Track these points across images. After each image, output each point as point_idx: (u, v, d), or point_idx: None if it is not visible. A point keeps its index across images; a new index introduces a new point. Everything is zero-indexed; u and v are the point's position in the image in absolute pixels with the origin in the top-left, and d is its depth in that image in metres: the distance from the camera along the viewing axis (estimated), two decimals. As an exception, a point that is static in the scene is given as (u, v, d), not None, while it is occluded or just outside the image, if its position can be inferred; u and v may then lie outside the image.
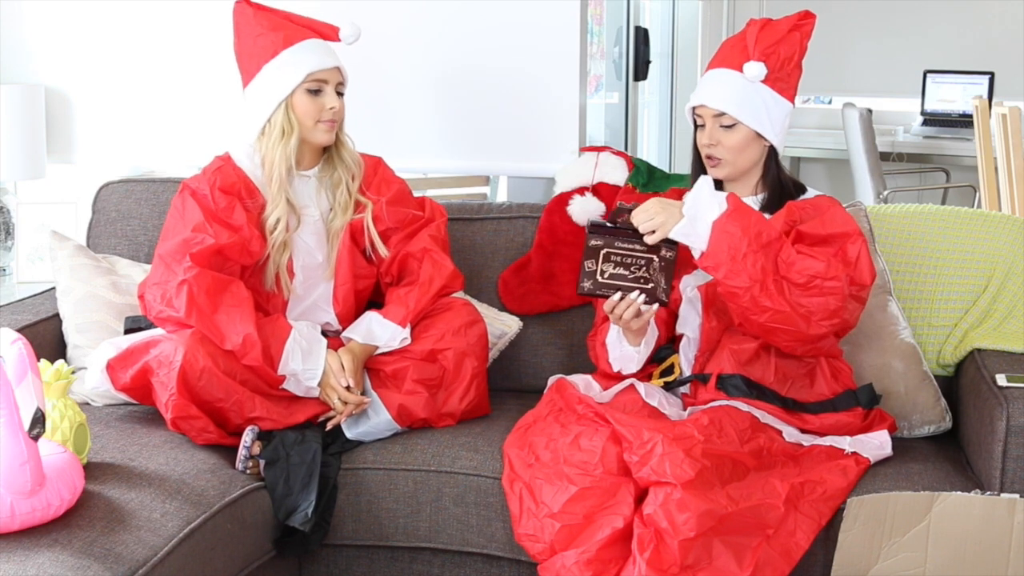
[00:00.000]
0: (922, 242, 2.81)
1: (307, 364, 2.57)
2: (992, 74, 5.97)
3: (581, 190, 3.05)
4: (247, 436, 2.48)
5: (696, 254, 2.41)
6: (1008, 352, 2.67)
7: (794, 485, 2.29)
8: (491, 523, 2.50)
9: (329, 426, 2.60)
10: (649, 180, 3.06)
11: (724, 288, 2.41)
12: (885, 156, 5.78)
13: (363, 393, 2.62)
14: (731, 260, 2.36)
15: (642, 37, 5.14)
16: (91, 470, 2.28)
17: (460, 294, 2.82)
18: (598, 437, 2.34)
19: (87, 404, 2.70)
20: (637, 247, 2.43)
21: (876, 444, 2.48)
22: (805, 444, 2.46)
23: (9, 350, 2.03)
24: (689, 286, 2.61)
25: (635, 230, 2.41)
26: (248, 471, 2.49)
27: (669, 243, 2.42)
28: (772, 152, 2.59)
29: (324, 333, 2.69)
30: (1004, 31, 6.17)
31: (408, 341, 2.66)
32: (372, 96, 3.27)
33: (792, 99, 2.58)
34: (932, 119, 6.10)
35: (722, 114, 2.54)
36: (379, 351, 2.66)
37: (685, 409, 2.57)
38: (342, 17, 2.71)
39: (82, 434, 2.30)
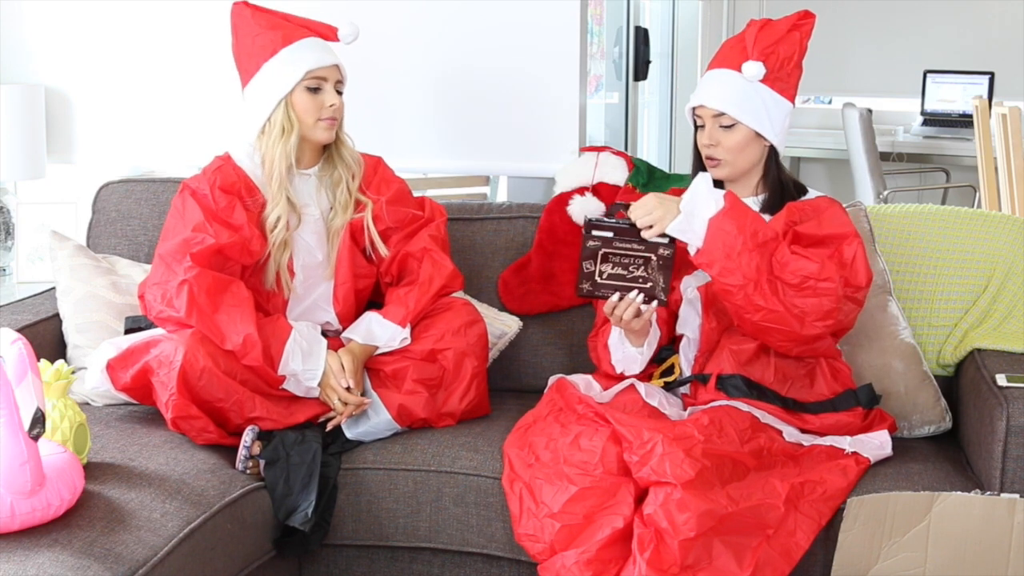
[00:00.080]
0: (922, 242, 2.81)
1: (307, 364, 2.57)
2: (992, 74, 5.97)
3: (581, 190, 3.05)
4: (247, 436, 2.48)
5: (692, 250, 2.41)
6: (1008, 352, 2.67)
7: (794, 485, 2.29)
8: (491, 523, 2.50)
9: (329, 427, 2.60)
10: (649, 180, 3.06)
11: (719, 286, 2.41)
12: (885, 156, 5.78)
13: (363, 393, 2.62)
14: (726, 257, 2.37)
15: (642, 37, 5.14)
16: (91, 470, 2.28)
17: (460, 294, 2.82)
18: (598, 437, 2.34)
19: (87, 404, 2.70)
20: (635, 247, 2.43)
21: (876, 444, 2.48)
22: (805, 444, 2.46)
23: (9, 350, 2.03)
24: (689, 287, 2.61)
25: (632, 225, 2.41)
26: (248, 471, 2.49)
27: (667, 242, 2.42)
28: (772, 152, 2.59)
29: (324, 333, 2.69)
30: (1004, 31, 6.17)
31: (408, 341, 2.66)
32: (372, 96, 3.27)
33: (792, 99, 2.58)
34: (932, 119, 6.10)
35: (721, 114, 2.54)
36: (379, 351, 2.66)
37: (685, 409, 2.57)
38: (341, 17, 2.71)
39: (82, 434, 2.30)
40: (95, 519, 2.09)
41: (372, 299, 2.82)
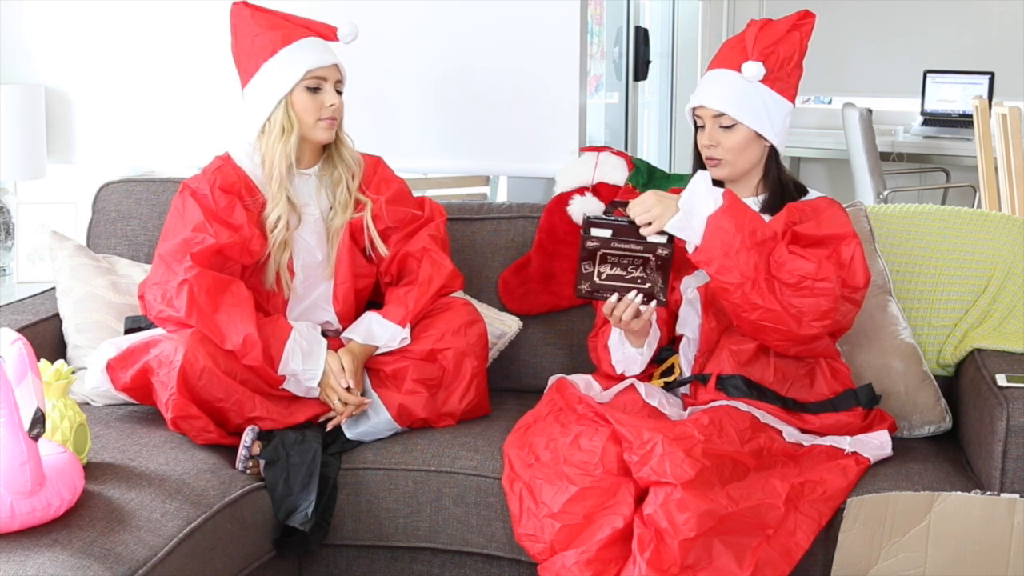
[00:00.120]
0: (922, 242, 2.81)
1: (307, 364, 2.57)
2: (992, 74, 5.97)
3: (581, 190, 3.05)
4: (247, 436, 2.48)
5: (690, 248, 2.41)
6: (1008, 352, 2.67)
7: (794, 485, 2.29)
8: (491, 523, 2.50)
9: (329, 427, 2.60)
10: (649, 180, 3.05)
11: (716, 284, 2.42)
12: (885, 156, 5.78)
13: (363, 393, 2.62)
14: (724, 255, 2.37)
15: (642, 37, 5.14)
16: (91, 470, 2.28)
17: (460, 294, 2.82)
18: (598, 437, 2.34)
19: (87, 404, 2.70)
20: (633, 247, 2.43)
21: (876, 444, 2.48)
22: (805, 444, 2.46)
23: (9, 350, 2.03)
24: (689, 287, 2.61)
25: (631, 222, 2.41)
26: (248, 471, 2.49)
27: (665, 242, 2.42)
28: (773, 152, 2.59)
29: (324, 332, 2.69)
30: (1004, 31, 6.17)
31: (408, 341, 2.66)
32: (372, 96, 3.27)
33: (792, 99, 2.58)
34: (932, 119, 6.10)
35: (721, 115, 2.53)
36: (379, 351, 2.66)
37: (685, 409, 2.57)
38: (341, 17, 2.71)
39: (82, 434, 2.30)
40: (95, 519, 2.09)
41: (372, 299, 2.82)
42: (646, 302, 2.45)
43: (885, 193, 5.52)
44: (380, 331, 2.65)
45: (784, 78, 2.55)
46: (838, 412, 2.52)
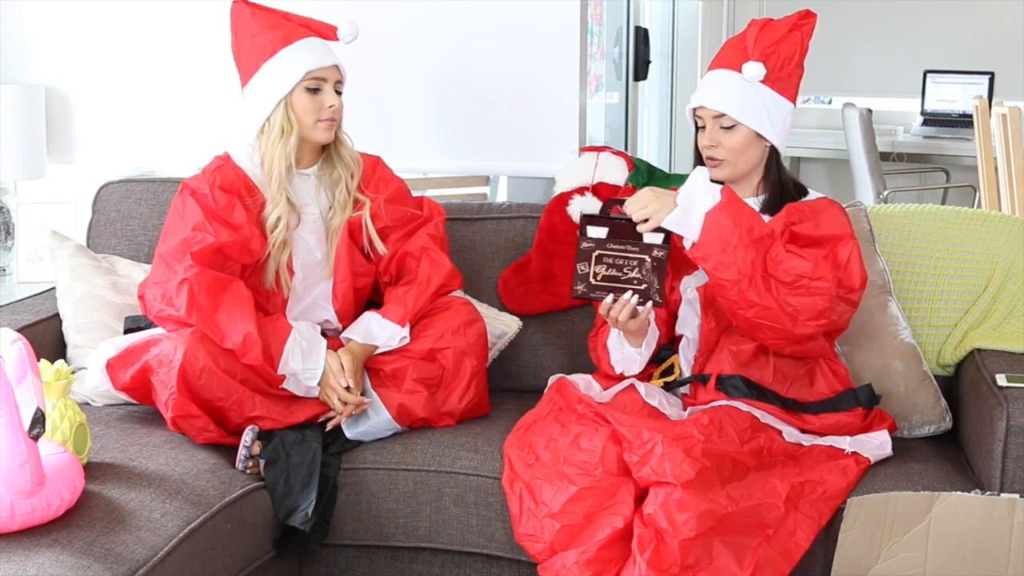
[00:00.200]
0: (922, 242, 2.81)
1: (307, 364, 2.57)
2: (992, 74, 5.97)
3: (581, 190, 3.05)
4: (247, 436, 2.48)
5: (687, 244, 2.41)
6: (1008, 352, 2.67)
7: (794, 485, 2.29)
8: (491, 523, 2.50)
9: (329, 426, 2.60)
10: (649, 180, 3.06)
11: (713, 280, 2.42)
12: (885, 156, 5.78)
13: (363, 393, 2.62)
14: (721, 252, 2.37)
15: (642, 37, 5.14)
16: (91, 470, 2.28)
17: (459, 293, 2.82)
18: (598, 437, 2.34)
19: (87, 404, 2.70)
20: (629, 248, 2.43)
21: (876, 444, 2.48)
22: (805, 444, 2.46)
23: (9, 350, 2.03)
24: (689, 287, 2.61)
25: (628, 220, 2.41)
26: (248, 471, 2.49)
27: (661, 243, 2.42)
28: (773, 153, 2.59)
29: (323, 332, 2.70)
30: (1004, 31, 6.17)
31: (407, 340, 2.66)
32: (372, 96, 3.27)
33: (793, 99, 2.58)
34: (932, 119, 6.10)
35: (722, 115, 2.53)
36: (378, 351, 2.66)
37: (685, 409, 2.57)
38: (341, 17, 2.71)
39: (82, 434, 2.30)
40: (95, 519, 2.09)
41: (371, 299, 2.82)
42: (641, 303, 2.45)
43: (885, 193, 5.52)
44: (379, 330, 2.65)
45: (785, 78, 2.55)
46: (838, 412, 2.52)
